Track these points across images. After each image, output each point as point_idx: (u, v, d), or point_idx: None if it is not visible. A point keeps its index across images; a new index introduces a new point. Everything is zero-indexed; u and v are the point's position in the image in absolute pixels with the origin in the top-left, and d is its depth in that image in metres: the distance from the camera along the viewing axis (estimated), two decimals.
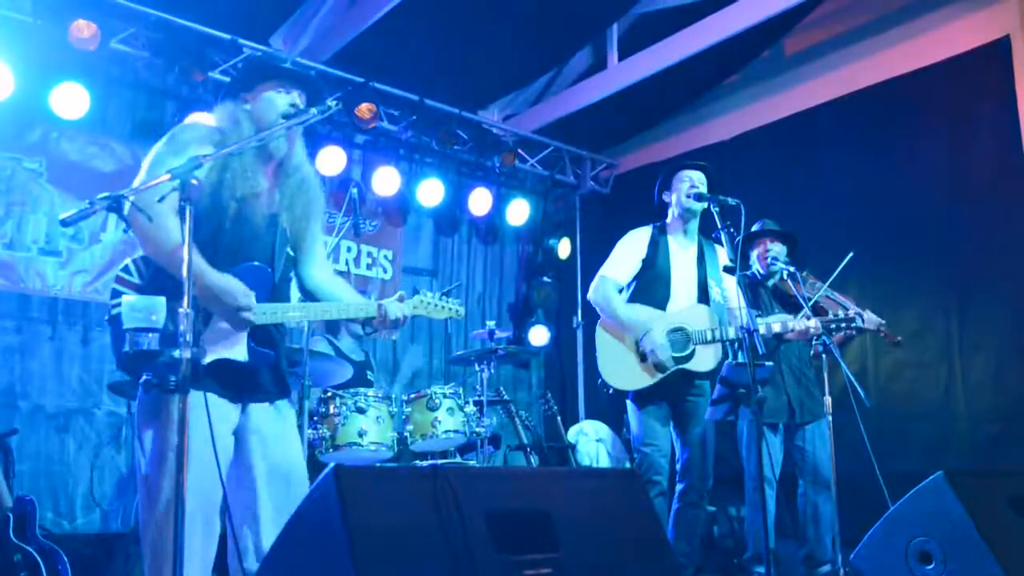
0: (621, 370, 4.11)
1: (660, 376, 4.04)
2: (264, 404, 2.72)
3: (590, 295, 4.31)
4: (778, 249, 4.62)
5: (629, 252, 4.28)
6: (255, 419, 2.69)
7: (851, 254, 4.31)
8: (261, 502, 2.63)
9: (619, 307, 4.17)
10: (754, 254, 4.68)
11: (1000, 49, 5.28)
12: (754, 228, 4.69)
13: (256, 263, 2.64)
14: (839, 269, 4.35)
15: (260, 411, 2.71)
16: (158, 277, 2.51)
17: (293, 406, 2.92)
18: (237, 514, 2.61)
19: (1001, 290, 5.15)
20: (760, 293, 4.63)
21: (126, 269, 2.57)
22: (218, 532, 2.59)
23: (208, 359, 2.49)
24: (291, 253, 2.82)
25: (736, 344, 4.05)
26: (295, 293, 2.94)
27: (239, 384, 2.63)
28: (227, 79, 5.24)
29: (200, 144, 2.55)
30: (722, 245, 3.62)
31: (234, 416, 2.64)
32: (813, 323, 3.96)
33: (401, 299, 2.87)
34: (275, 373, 2.76)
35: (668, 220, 4.35)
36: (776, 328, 3.98)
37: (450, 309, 3.05)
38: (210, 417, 2.44)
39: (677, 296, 4.17)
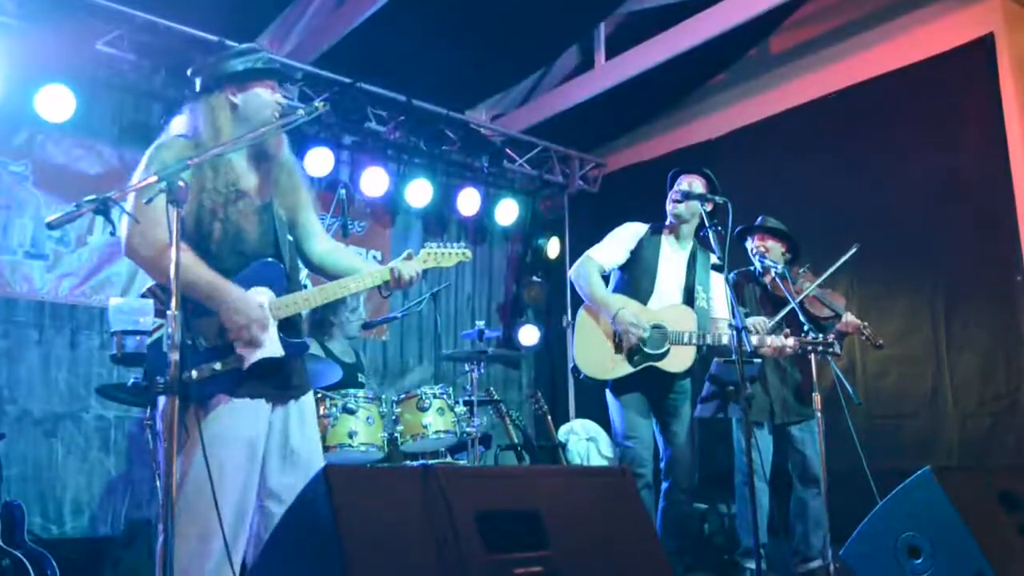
0: (595, 358, 4.13)
1: (631, 370, 4.06)
2: (288, 403, 2.73)
3: (571, 272, 4.35)
4: (771, 245, 4.62)
5: (619, 241, 4.32)
6: (281, 421, 2.70)
7: (854, 249, 4.27)
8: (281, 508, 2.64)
9: (599, 286, 4.19)
10: (749, 248, 4.69)
11: (984, 47, 5.31)
12: (756, 223, 4.70)
13: (268, 260, 2.67)
14: (837, 264, 4.30)
15: (285, 410, 2.72)
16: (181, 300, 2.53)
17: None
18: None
19: (987, 287, 5.18)
20: (753, 290, 4.62)
21: (144, 297, 2.57)
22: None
23: (248, 362, 2.53)
24: (290, 238, 2.84)
25: (710, 350, 4.06)
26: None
27: (275, 381, 2.66)
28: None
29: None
30: (711, 248, 3.62)
31: (271, 417, 2.67)
32: (791, 342, 3.94)
33: (409, 257, 2.90)
34: (300, 364, 2.79)
35: (666, 221, 4.36)
36: (753, 341, 3.96)
37: (459, 254, 3.07)
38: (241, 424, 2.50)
39: (661, 294, 4.19)
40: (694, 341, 4.02)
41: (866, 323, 4.40)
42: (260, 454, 2.62)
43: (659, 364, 4.05)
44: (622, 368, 4.07)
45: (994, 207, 5.18)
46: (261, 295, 2.62)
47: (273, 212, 2.74)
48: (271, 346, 2.60)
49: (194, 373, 2.21)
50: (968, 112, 5.38)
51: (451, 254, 3.04)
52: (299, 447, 2.71)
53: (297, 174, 2.88)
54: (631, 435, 4.10)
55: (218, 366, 2.47)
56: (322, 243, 2.96)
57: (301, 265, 2.98)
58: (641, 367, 4.05)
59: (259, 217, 2.69)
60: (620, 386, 4.14)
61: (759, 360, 4.02)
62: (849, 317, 4.40)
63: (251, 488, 2.58)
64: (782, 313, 4.22)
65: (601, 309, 4.13)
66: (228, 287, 2.53)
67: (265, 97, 2.72)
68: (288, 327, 2.69)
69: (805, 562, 4.34)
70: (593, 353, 4.13)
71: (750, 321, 4.19)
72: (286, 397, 2.71)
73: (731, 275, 4.48)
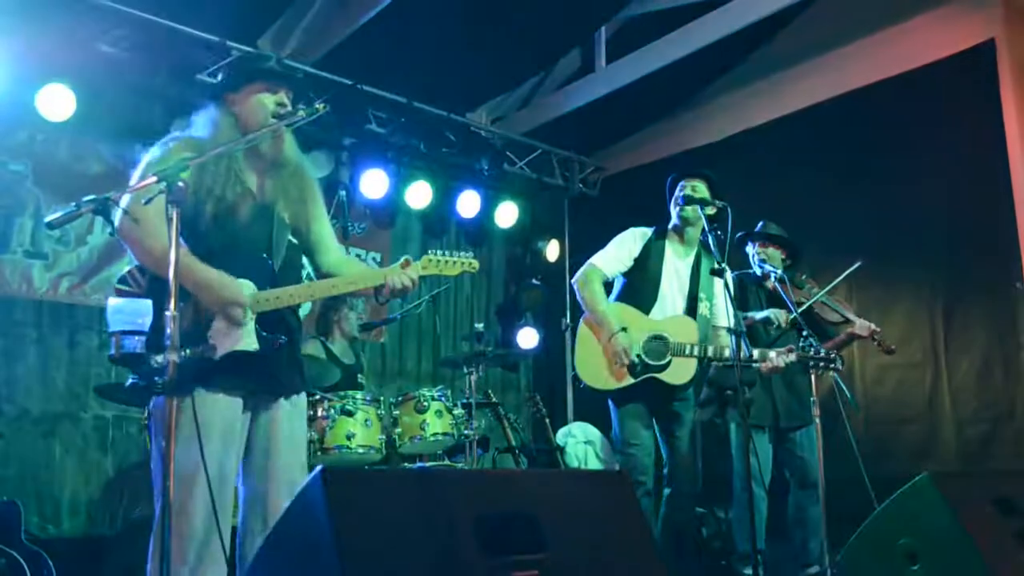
0: (595, 368, 4.11)
1: (631, 381, 4.03)
2: (278, 400, 2.71)
3: (575, 280, 4.28)
4: (771, 252, 4.62)
5: (623, 248, 4.27)
6: (267, 417, 2.69)
7: (857, 264, 4.31)
8: (268, 508, 2.63)
9: (600, 299, 4.15)
10: (750, 253, 4.69)
11: (985, 52, 5.32)
12: (757, 229, 4.69)
13: (255, 254, 2.66)
14: (841, 278, 4.34)
15: (274, 408, 2.70)
16: (156, 282, 2.50)
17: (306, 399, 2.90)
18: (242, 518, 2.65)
19: (986, 292, 5.19)
20: (758, 294, 4.62)
21: (122, 280, 2.57)
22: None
23: (220, 354, 2.50)
24: (294, 240, 2.82)
25: (710, 363, 4.06)
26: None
27: (253, 376, 2.62)
28: (215, 81, 5.25)
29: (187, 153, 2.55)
30: (711, 251, 3.61)
31: (247, 413, 2.65)
32: (793, 356, 3.92)
33: (407, 264, 2.81)
34: (290, 361, 2.75)
35: (669, 226, 4.32)
36: (755, 354, 3.96)
37: (464, 263, 2.91)
38: (210, 418, 2.47)
39: (664, 303, 4.16)
40: (695, 353, 3.98)
41: (878, 328, 4.40)
42: (237, 447, 2.60)
43: (660, 375, 4.02)
44: (623, 380, 4.06)
45: (993, 213, 5.18)
46: (242, 287, 2.61)
47: (274, 213, 2.74)
48: (245, 340, 2.57)
49: (159, 358, 2.17)
50: (968, 118, 5.38)
51: (455, 263, 2.90)
52: (282, 451, 2.68)
53: (309, 184, 2.87)
54: (633, 442, 4.07)
55: (186, 352, 2.44)
56: (332, 255, 2.95)
57: (308, 268, 2.98)
58: (642, 378, 4.04)
59: (257, 215, 2.70)
60: (622, 396, 4.11)
61: (757, 365, 4.02)
62: (862, 321, 4.41)
63: (228, 480, 2.56)
64: (798, 311, 4.21)
65: (601, 325, 4.11)
66: (209, 269, 2.53)
67: (263, 101, 2.74)
68: (276, 324, 2.66)
69: (803, 568, 4.34)
70: (594, 363, 4.11)
71: (771, 312, 4.19)
72: (271, 395, 2.70)
73: (734, 274, 4.49)
